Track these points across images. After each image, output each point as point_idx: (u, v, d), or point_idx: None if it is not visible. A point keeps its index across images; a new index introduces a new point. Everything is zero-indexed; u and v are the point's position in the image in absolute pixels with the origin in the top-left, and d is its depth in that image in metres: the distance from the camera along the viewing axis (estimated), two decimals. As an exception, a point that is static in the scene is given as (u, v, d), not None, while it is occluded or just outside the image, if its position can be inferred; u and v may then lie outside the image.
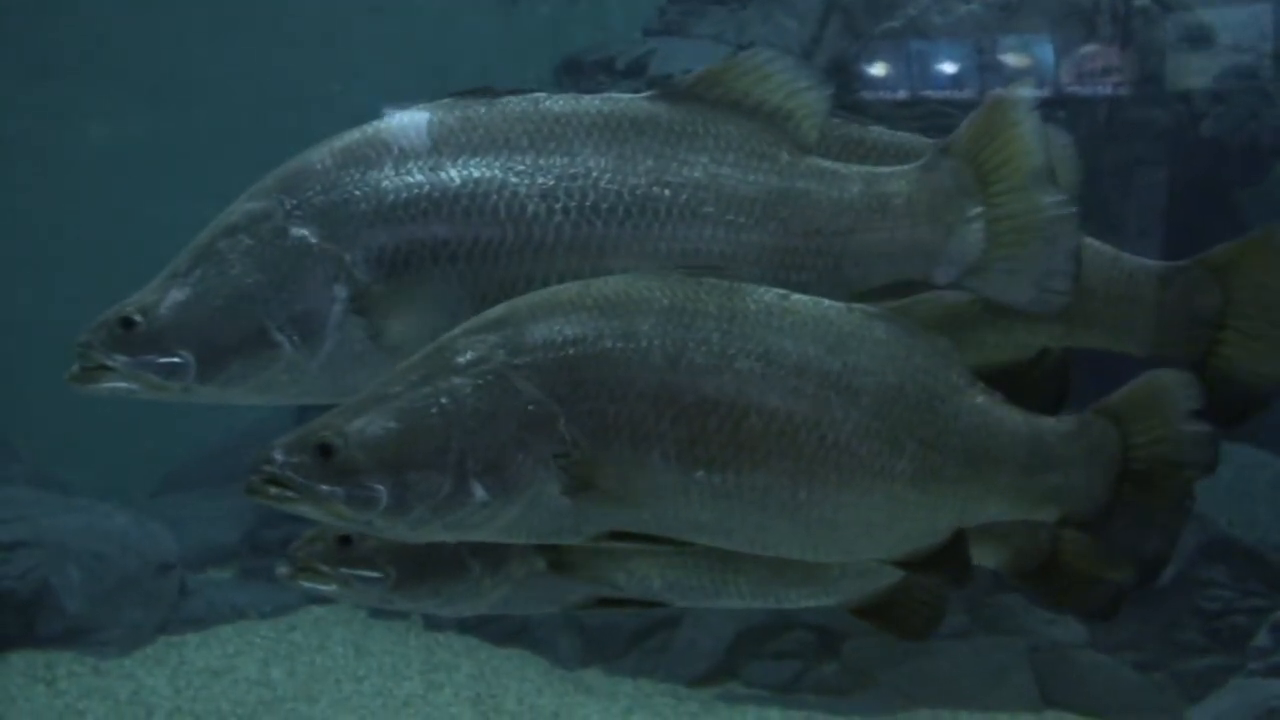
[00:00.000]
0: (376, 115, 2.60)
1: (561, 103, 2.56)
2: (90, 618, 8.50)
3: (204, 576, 9.87)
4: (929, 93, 8.50)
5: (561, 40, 10.26)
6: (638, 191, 2.48)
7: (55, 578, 8.43)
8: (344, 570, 2.78)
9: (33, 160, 16.51)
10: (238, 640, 8.85)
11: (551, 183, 2.46)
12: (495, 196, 2.46)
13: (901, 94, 8.56)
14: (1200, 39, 8.43)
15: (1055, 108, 8.08)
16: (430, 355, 2.34)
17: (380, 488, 2.26)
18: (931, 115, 8.17)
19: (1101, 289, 2.77)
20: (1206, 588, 7.85)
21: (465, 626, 8.81)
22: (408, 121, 2.54)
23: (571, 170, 2.47)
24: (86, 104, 17.02)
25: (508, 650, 8.66)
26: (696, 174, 2.50)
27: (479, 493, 2.28)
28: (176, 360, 2.44)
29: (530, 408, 2.29)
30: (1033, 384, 2.73)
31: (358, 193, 2.48)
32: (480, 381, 2.29)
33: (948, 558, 2.53)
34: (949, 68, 8.63)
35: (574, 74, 9.58)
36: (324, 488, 2.27)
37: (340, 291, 2.45)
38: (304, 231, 2.47)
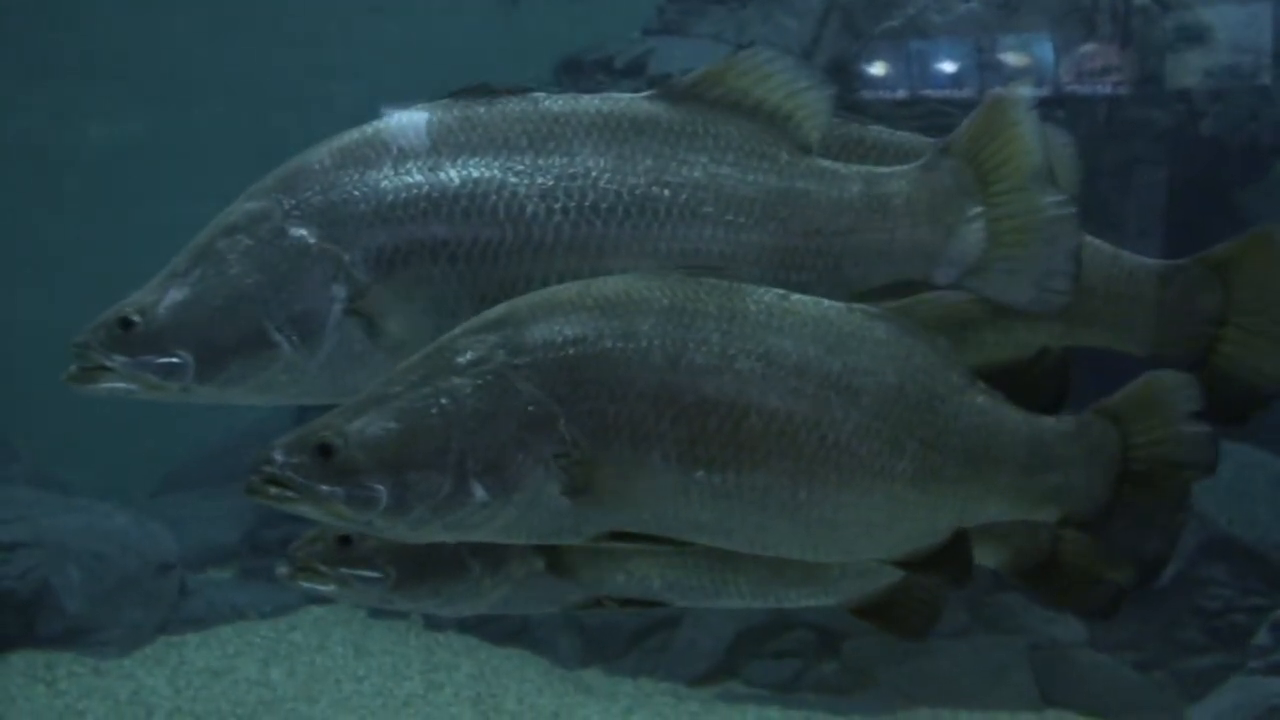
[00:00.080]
0: (376, 115, 2.60)
1: (560, 102, 2.56)
2: (90, 618, 8.49)
3: (204, 576, 9.87)
4: (928, 92, 8.50)
5: (561, 40, 10.25)
6: (637, 191, 2.47)
7: (55, 578, 8.43)
8: (344, 570, 2.78)
9: (33, 160, 16.51)
10: (238, 640, 8.85)
11: (551, 183, 2.46)
12: (494, 196, 2.46)
13: (901, 93, 8.56)
14: (1200, 38, 8.43)
15: (1055, 107, 8.08)
16: (430, 355, 2.34)
17: (380, 488, 2.26)
18: (931, 114, 8.17)
19: (1101, 287, 2.77)
20: (1206, 586, 7.85)
21: (465, 626, 8.81)
22: (407, 121, 2.54)
23: (571, 170, 2.47)
24: (86, 104, 17.03)
25: (508, 650, 8.66)
26: (696, 174, 2.50)
27: (479, 493, 2.28)
28: (175, 360, 2.44)
29: (530, 408, 2.29)
30: (1033, 383, 2.73)
31: (357, 193, 2.48)
32: (480, 381, 2.29)
33: (948, 558, 2.53)
34: (948, 67, 8.63)
35: (573, 73, 9.59)
36: (324, 488, 2.27)
37: (339, 291, 2.45)
38: (303, 231, 2.47)
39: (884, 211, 2.56)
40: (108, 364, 2.45)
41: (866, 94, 8.57)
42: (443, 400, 2.28)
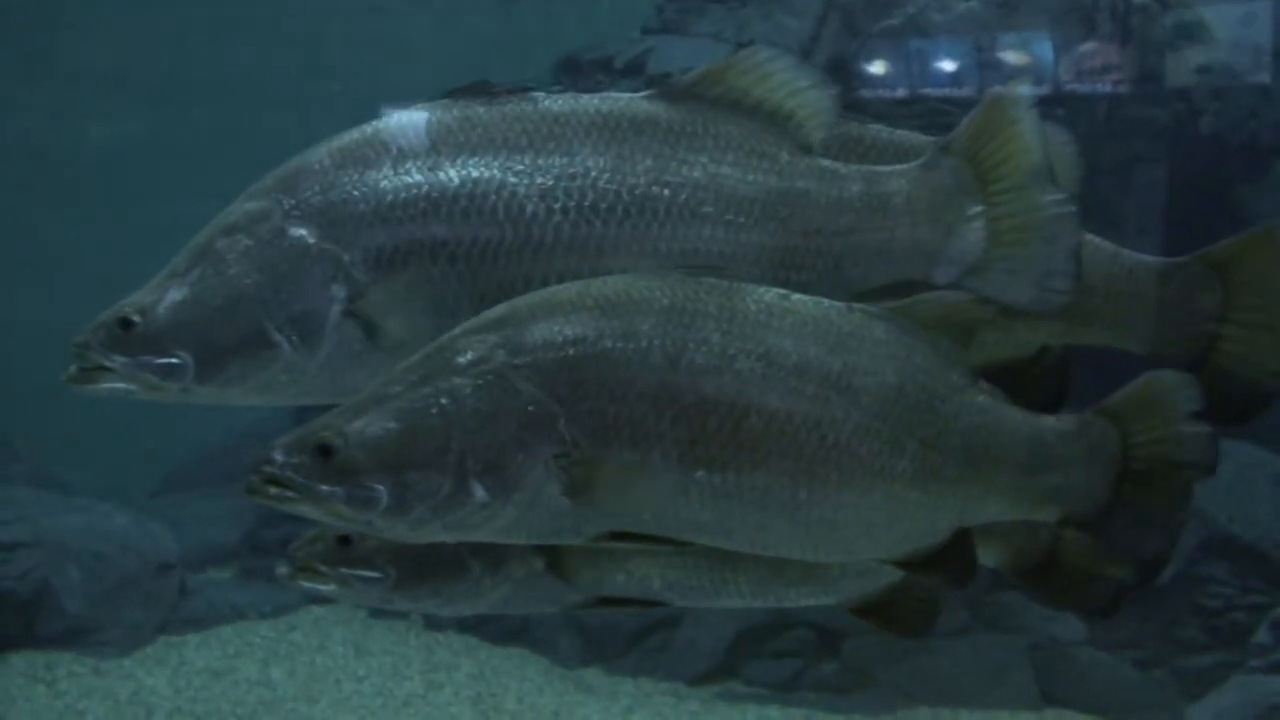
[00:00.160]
0: (376, 115, 2.59)
1: (560, 102, 2.55)
2: (90, 618, 8.49)
3: (204, 576, 9.87)
4: (928, 90, 8.49)
5: (560, 39, 10.25)
6: (637, 191, 2.47)
7: (55, 578, 8.43)
8: (344, 570, 2.78)
9: (33, 160, 16.52)
10: (238, 640, 8.85)
11: (550, 182, 2.46)
12: (494, 196, 2.45)
13: (901, 92, 8.56)
14: (1199, 36, 8.42)
15: (1054, 105, 8.08)
16: (430, 355, 2.34)
17: (380, 488, 2.26)
18: (931, 113, 8.17)
19: (1102, 285, 2.77)
20: (1207, 585, 7.85)
21: (465, 626, 8.81)
22: (406, 121, 2.54)
23: (570, 170, 2.47)
24: (86, 104, 17.03)
25: (508, 650, 8.66)
26: (696, 174, 2.50)
27: (479, 493, 2.27)
28: (175, 361, 2.44)
29: (530, 408, 2.28)
30: (1033, 382, 2.73)
31: (356, 193, 2.47)
32: (480, 382, 2.29)
33: (950, 557, 2.53)
34: (948, 65, 8.63)
35: (572, 73, 9.58)
36: (324, 488, 2.27)
37: (339, 291, 2.45)
38: (302, 231, 2.46)
39: (884, 211, 2.56)
40: (107, 364, 2.45)
41: (866, 93, 8.57)
42: (443, 400, 2.28)
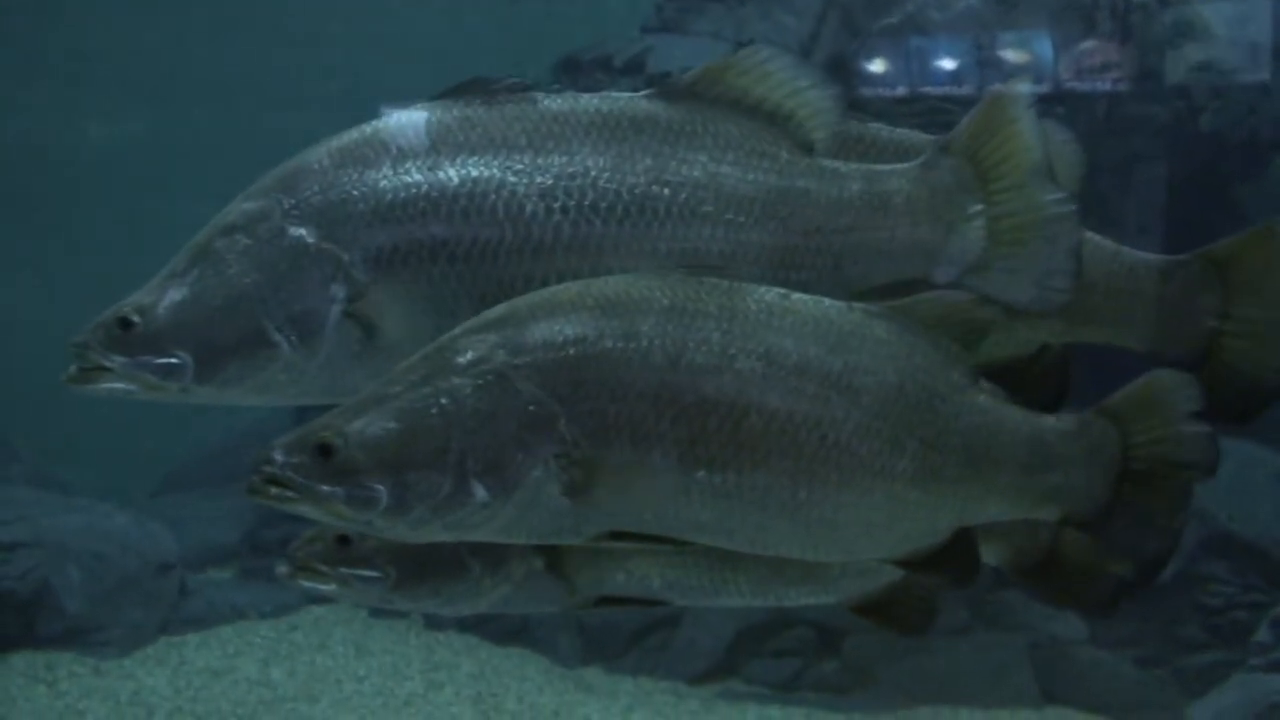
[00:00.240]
0: (375, 115, 2.59)
1: (559, 102, 2.55)
2: (90, 618, 8.49)
3: (204, 576, 9.87)
4: (928, 89, 8.49)
5: (560, 38, 10.24)
6: (636, 191, 2.47)
7: (55, 578, 8.43)
8: (343, 570, 2.77)
9: (33, 160, 16.51)
10: (238, 640, 8.85)
11: (550, 182, 2.46)
12: (493, 196, 2.45)
13: (900, 90, 8.56)
14: (1198, 34, 8.42)
15: (1054, 103, 8.08)
16: (430, 355, 2.33)
17: (380, 488, 2.26)
18: (931, 111, 8.17)
19: (1102, 283, 2.77)
20: (1207, 583, 7.85)
21: (465, 626, 8.82)
22: (406, 121, 2.54)
23: (570, 169, 2.47)
24: (86, 104, 17.03)
25: (508, 649, 8.66)
26: (695, 173, 2.50)
27: (479, 493, 2.27)
28: (174, 361, 2.44)
29: (530, 408, 2.28)
30: (1033, 380, 2.73)
31: (356, 192, 2.47)
32: (480, 381, 2.28)
33: (951, 557, 2.52)
34: (948, 64, 8.63)
35: (572, 72, 9.58)
36: (324, 488, 2.26)
37: (338, 291, 2.45)
38: (302, 231, 2.46)
39: (884, 210, 2.56)
40: (107, 364, 2.44)
41: (865, 91, 8.57)
42: (443, 400, 2.28)
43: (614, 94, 2.60)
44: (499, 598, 2.79)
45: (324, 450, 2.26)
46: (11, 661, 8.19)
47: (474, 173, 2.46)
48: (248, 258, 2.46)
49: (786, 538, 2.42)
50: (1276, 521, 7.92)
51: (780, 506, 2.36)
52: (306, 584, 2.81)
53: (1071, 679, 7.86)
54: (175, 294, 2.46)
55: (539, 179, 2.46)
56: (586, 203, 2.45)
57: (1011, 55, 8.54)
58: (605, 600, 2.81)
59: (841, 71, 8.51)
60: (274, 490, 2.27)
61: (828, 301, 2.45)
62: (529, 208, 2.45)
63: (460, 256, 2.45)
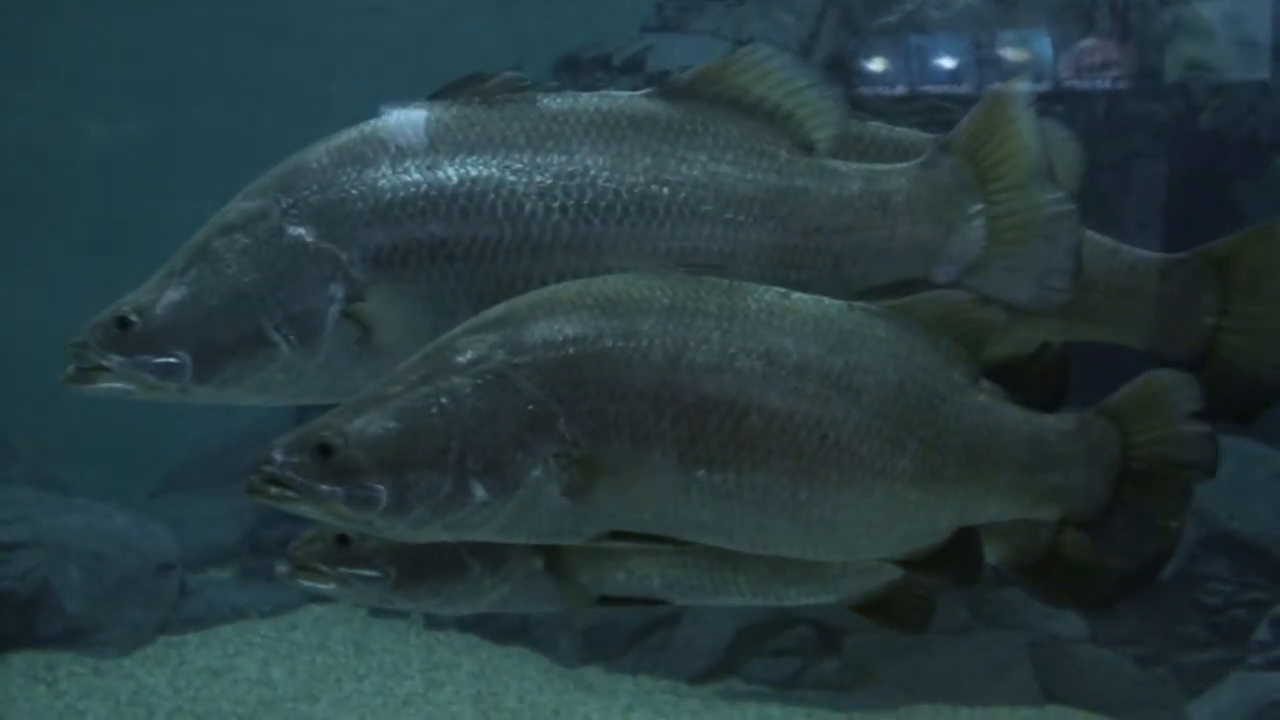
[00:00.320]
0: (374, 114, 2.59)
1: (559, 101, 2.55)
2: (90, 618, 8.48)
3: (204, 576, 9.86)
4: (927, 87, 8.49)
5: (559, 37, 10.24)
6: (636, 190, 2.47)
7: (55, 578, 8.42)
8: (343, 570, 2.77)
9: (33, 160, 16.50)
10: (238, 640, 8.84)
11: (549, 181, 2.46)
12: (493, 195, 2.45)
13: (900, 89, 8.55)
14: (1198, 32, 8.42)
15: (1054, 102, 8.07)
16: (430, 355, 2.33)
17: (380, 487, 2.26)
18: (930, 110, 8.16)
19: (1102, 282, 2.77)
20: (1207, 582, 7.84)
21: (466, 625, 8.81)
22: (405, 120, 2.54)
23: (569, 169, 2.47)
24: (86, 104, 17.02)
25: (508, 648, 8.65)
26: (695, 172, 2.50)
27: (479, 492, 2.27)
28: (172, 360, 2.44)
29: (530, 407, 2.28)
30: (1033, 379, 2.73)
31: (354, 191, 2.47)
32: (480, 381, 2.28)
33: (953, 557, 2.52)
34: (947, 62, 8.62)
35: (571, 71, 9.58)
36: (324, 487, 2.26)
37: (337, 291, 2.45)
38: (300, 230, 2.46)
39: (884, 209, 2.55)
40: (105, 364, 2.44)
41: (865, 90, 8.56)
42: (443, 400, 2.28)
43: (613, 93, 2.60)
44: (499, 597, 2.79)
45: (324, 450, 2.26)
46: (11, 661, 8.19)
47: (473, 172, 2.46)
48: (246, 257, 2.46)
49: (787, 537, 2.42)
50: (1276, 520, 7.91)
51: (780, 506, 2.36)
52: (306, 584, 2.81)
53: (1072, 677, 7.86)
54: (173, 293, 2.46)
55: (538, 178, 2.46)
56: (585, 202, 2.45)
57: (1011, 54, 8.53)
58: (605, 600, 2.81)
59: (841, 70, 8.50)
60: (274, 490, 2.27)
61: (828, 301, 2.45)
62: (528, 207, 2.44)
63: (459, 256, 2.44)
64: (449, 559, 2.74)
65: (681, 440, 2.31)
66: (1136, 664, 7.86)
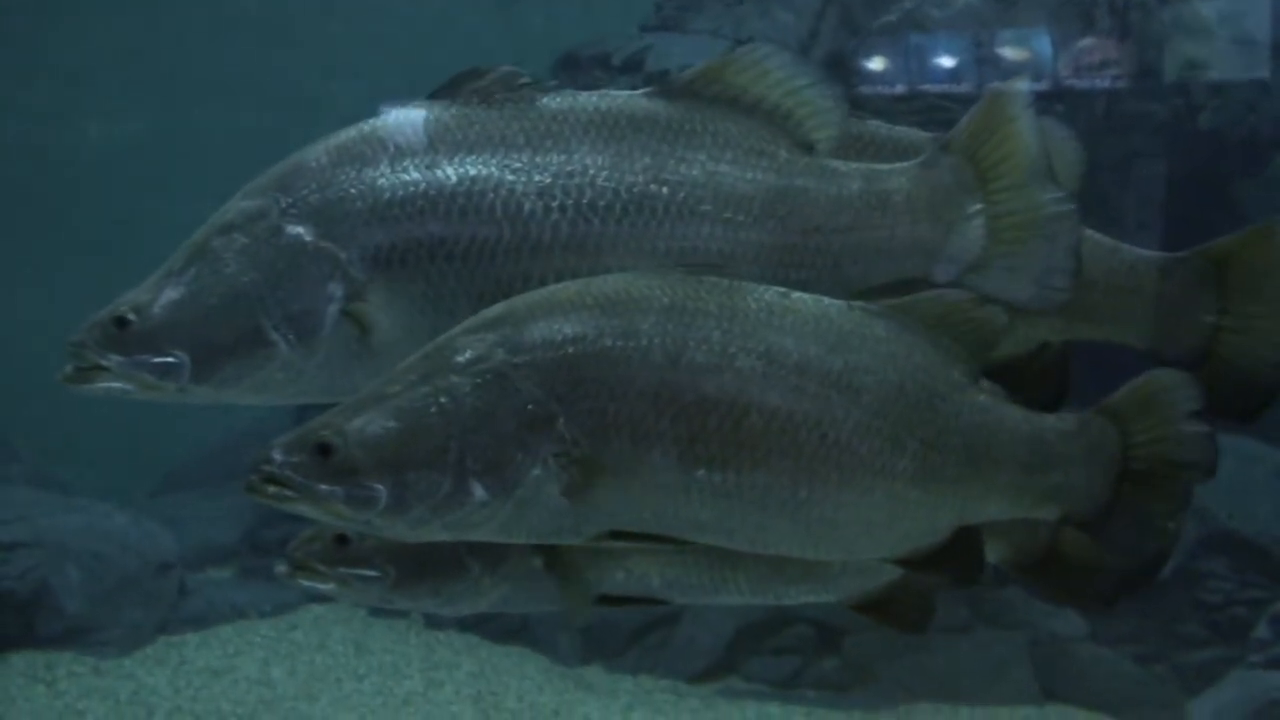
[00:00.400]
0: (374, 113, 2.59)
1: (558, 100, 2.55)
2: (90, 618, 8.48)
3: (204, 576, 9.86)
4: (927, 87, 8.49)
5: (559, 36, 10.23)
6: (635, 189, 2.47)
7: (55, 578, 8.42)
8: (342, 569, 2.77)
9: (33, 160, 16.49)
10: (238, 640, 8.84)
11: (548, 181, 2.46)
12: (492, 195, 2.45)
13: (899, 88, 8.56)
14: (1197, 31, 8.42)
15: (1053, 101, 8.08)
16: (429, 354, 2.33)
17: (379, 487, 2.26)
18: (929, 109, 8.17)
19: (1102, 281, 2.77)
20: (1207, 580, 7.85)
21: (465, 624, 8.81)
22: (404, 119, 2.53)
23: (568, 168, 2.47)
24: (86, 104, 17.01)
25: (508, 648, 8.65)
26: (694, 172, 2.49)
27: (478, 492, 2.27)
28: (171, 360, 2.43)
29: (530, 407, 2.28)
30: (1033, 379, 2.73)
31: (353, 191, 2.47)
32: (479, 381, 2.28)
33: (953, 556, 2.52)
34: (947, 61, 8.62)
35: (570, 70, 9.57)
36: (323, 487, 2.26)
37: (336, 290, 2.44)
38: (299, 230, 2.46)
39: (884, 209, 2.55)
40: (103, 363, 2.44)
41: (864, 89, 8.56)
42: (442, 399, 2.27)
43: (612, 92, 2.60)
44: (498, 597, 2.79)
45: (323, 449, 2.26)
46: (11, 661, 8.19)
47: (472, 171, 2.46)
48: (245, 256, 2.45)
49: (787, 537, 2.42)
50: (1276, 518, 7.92)
51: (780, 506, 2.36)
52: (306, 583, 2.81)
53: (1071, 676, 7.86)
54: (172, 293, 2.46)
55: (537, 177, 2.46)
56: (585, 201, 2.45)
57: (1010, 53, 8.53)
58: (605, 599, 2.81)
59: (840, 69, 8.50)
60: (273, 489, 2.27)
61: (827, 300, 2.45)
62: (527, 206, 2.44)
63: (458, 255, 2.44)
64: (448, 559, 2.74)
65: (681, 440, 2.30)
66: (1136, 662, 7.86)
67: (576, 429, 2.29)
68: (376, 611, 9.01)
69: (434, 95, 2.58)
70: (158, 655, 8.53)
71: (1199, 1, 8.40)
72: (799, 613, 8.06)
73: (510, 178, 2.45)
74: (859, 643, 8.04)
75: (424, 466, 2.26)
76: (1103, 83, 8.45)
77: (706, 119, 2.55)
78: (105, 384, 2.46)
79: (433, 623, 8.94)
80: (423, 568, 2.75)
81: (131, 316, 2.44)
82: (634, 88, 2.63)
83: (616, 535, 2.37)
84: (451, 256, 2.44)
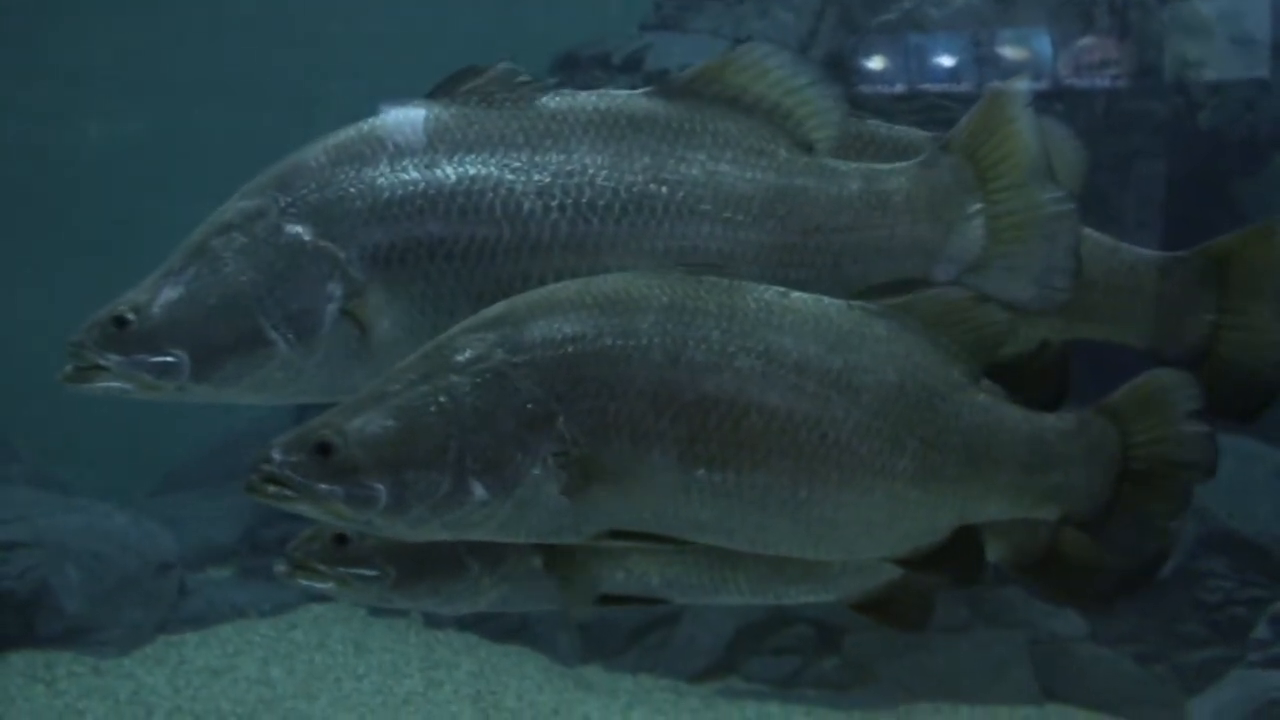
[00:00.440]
0: (373, 112, 2.59)
1: (557, 100, 2.55)
2: (90, 618, 8.48)
3: (203, 576, 9.85)
4: (926, 86, 8.49)
5: (559, 35, 10.23)
6: (634, 189, 2.47)
7: (54, 578, 8.42)
8: (342, 569, 2.77)
9: (33, 160, 16.49)
10: (237, 639, 8.84)
11: (548, 180, 2.45)
12: (491, 194, 2.45)
13: (899, 87, 8.55)
14: (1197, 30, 8.42)
15: (1053, 100, 8.08)
16: (429, 354, 2.33)
17: (379, 486, 2.26)
18: (929, 108, 8.16)
19: (1102, 280, 2.77)
20: (1206, 580, 7.84)
21: (465, 624, 8.80)
22: (403, 118, 2.53)
23: (568, 167, 2.46)
24: (86, 104, 17.01)
25: (507, 647, 8.64)
26: (694, 171, 2.49)
27: (478, 491, 2.27)
28: (170, 359, 2.43)
29: (529, 406, 2.28)
30: (1033, 378, 2.73)
31: (353, 190, 2.47)
32: (479, 380, 2.28)
33: (953, 556, 2.52)
34: (946, 61, 8.62)
35: (570, 69, 9.57)
36: (323, 486, 2.26)
37: (335, 289, 2.44)
38: (298, 229, 2.46)
39: (883, 208, 2.55)
40: (102, 363, 2.44)
41: (864, 88, 8.56)
42: (441, 399, 2.27)
43: (612, 92, 2.60)
44: (498, 596, 2.79)
45: (323, 449, 2.26)
46: (10, 661, 8.19)
47: (471, 171, 2.46)
48: (244, 256, 2.45)
49: (787, 537, 2.42)
50: (1276, 518, 7.91)
51: (780, 505, 2.36)
52: (305, 583, 2.81)
53: (1071, 675, 7.86)
54: (171, 292, 2.46)
55: (536, 177, 2.45)
56: (584, 201, 2.45)
57: (1010, 52, 8.53)
58: (605, 599, 2.81)
59: (840, 68, 8.50)
60: (272, 489, 2.27)
61: (827, 300, 2.45)
62: (526, 206, 2.44)
63: (457, 255, 2.44)
64: (448, 558, 2.74)
65: (681, 439, 2.30)
66: (1136, 662, 7.86)
67: (576, 428, 2.29)
68: (376, 611, 9.01)
69: (432, 93, 2.58)
70: (157, 655, 8.53)
71: (1198, 0, 8.40)
72: (799, 612, 8.05)
73: (509, 177, 2.45)
74: (859, 642, 8.04)
75: (424, 466, 2.26)
76: (1102, 82, 8.45)
77: (706, 118, 2.55)
78: (104, 384, 2.46)
79: (432, 622, 8.93)
80: (422, 567, 2.75)
81: (130, 316, 2.44)
82: (633, 87, 2.63)
83: (616, 535, 2.37)
84: (451, 256, 2.44)
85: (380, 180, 2.46)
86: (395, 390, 2.30)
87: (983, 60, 8.55)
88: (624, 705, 7.89)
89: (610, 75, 9.26)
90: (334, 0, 16.73)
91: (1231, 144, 8.58)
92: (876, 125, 2.82)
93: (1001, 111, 2.53)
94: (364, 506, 2.27)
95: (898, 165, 2.60)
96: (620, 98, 2.58)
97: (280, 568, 2.81)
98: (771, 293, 2.41)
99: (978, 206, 2.54)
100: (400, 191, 2.46)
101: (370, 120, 2.56)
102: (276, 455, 2.27)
